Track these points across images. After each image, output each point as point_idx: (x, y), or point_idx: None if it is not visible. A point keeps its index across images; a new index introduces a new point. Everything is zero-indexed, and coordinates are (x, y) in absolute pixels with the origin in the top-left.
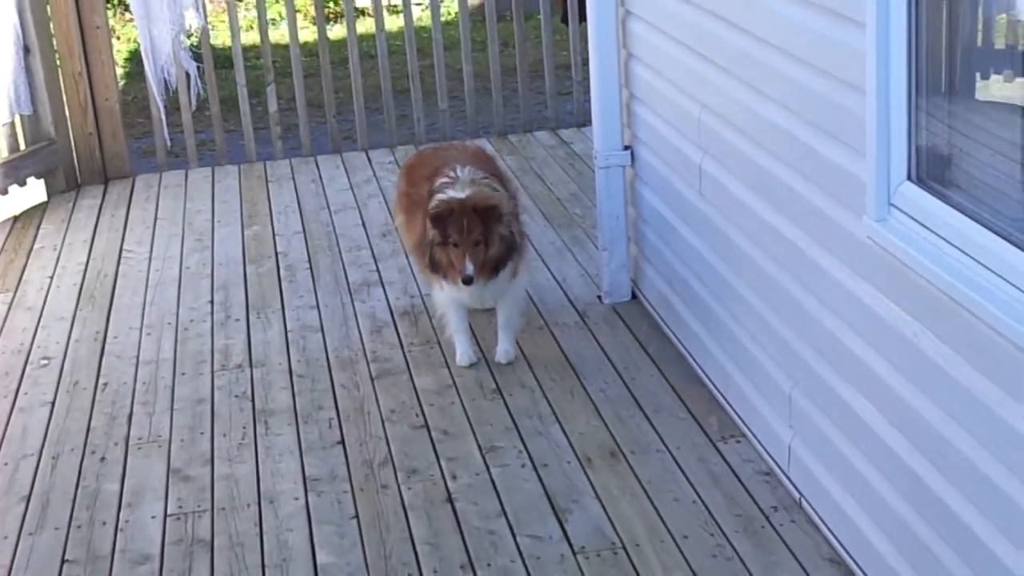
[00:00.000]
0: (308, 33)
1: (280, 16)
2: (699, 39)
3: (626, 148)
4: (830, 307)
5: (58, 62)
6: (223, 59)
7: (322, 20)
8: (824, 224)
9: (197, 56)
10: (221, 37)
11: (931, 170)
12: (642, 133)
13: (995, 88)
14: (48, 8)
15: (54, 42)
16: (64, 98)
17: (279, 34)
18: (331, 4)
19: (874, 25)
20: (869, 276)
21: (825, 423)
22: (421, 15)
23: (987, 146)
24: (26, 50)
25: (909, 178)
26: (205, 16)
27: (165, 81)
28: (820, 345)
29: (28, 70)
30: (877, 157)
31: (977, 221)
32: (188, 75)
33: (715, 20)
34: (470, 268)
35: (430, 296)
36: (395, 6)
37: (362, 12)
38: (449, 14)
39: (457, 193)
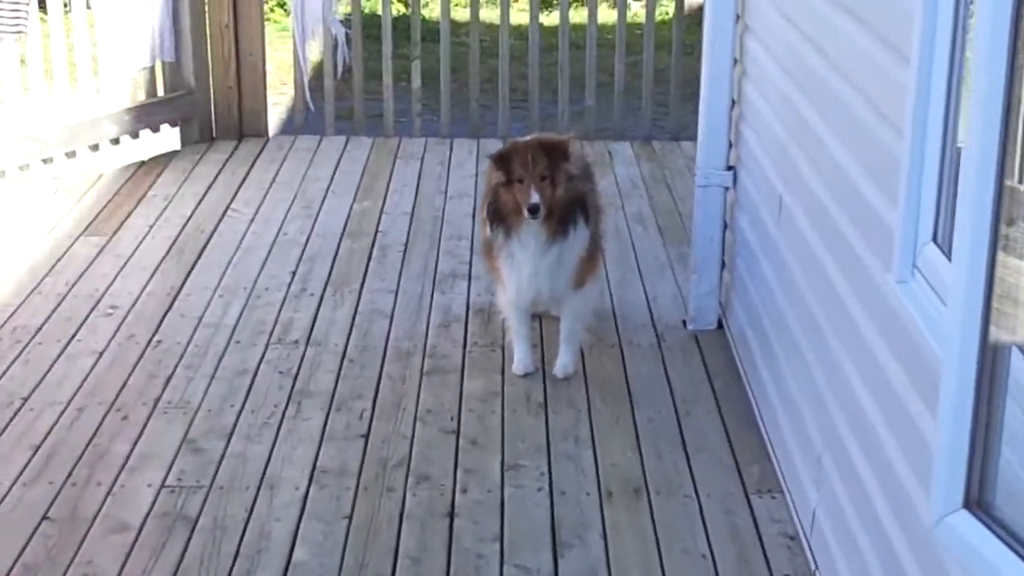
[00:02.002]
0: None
1: None
2: (793, 63)
3: (729, 168)
4: (858, 368)
5: (206, 12)
6: (375, 27)
7: (475, 1)
8: (860, 275)
9: (346, 23)
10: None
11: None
12: (746, 156)
13: None
14: None
15: None
16: (208, 49)
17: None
18: None
19: (917, 59)
20: (890, 339)
21: (842, 492)
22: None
23: None
24: None
25: (934, 240)
26: None
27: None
28: (847, 408)
29: (175, 17)
30: (906, 211)
31: None
32: (336, 41)
33: (806, 43)
34: (535, 196)
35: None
36: None
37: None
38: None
39: None
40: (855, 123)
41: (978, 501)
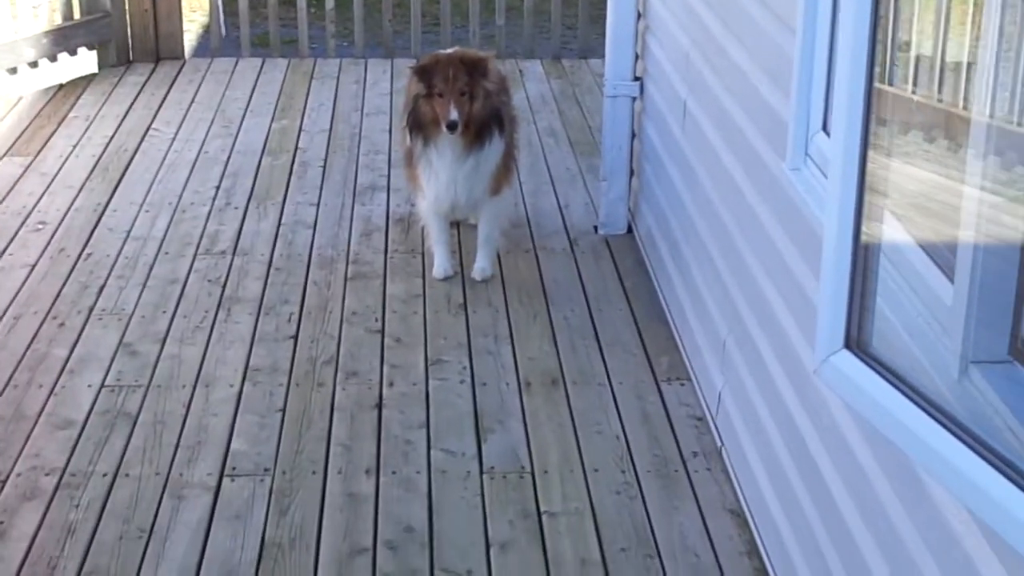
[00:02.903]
0: None
1: None
2: None
3: (636, 79)
4: (758, 256)
5: None
6: None
7: None
8: (759, 169)
9: None
10: None
11: None
12: (652, 67)
13: None
14: None
15: None
16: None
17: None
18: None
19: None
20: (785, 223)
21: (746, 375)
22: None
23: None
24: None
25: (824, 129)
26: None
27: None
28: (749, 294)
29: None
30: (797, 103)
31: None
32: None
33: None
34: (454, 113)
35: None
36: None
37: None
38: None
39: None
40: (753, 27)
41: (857, 341)
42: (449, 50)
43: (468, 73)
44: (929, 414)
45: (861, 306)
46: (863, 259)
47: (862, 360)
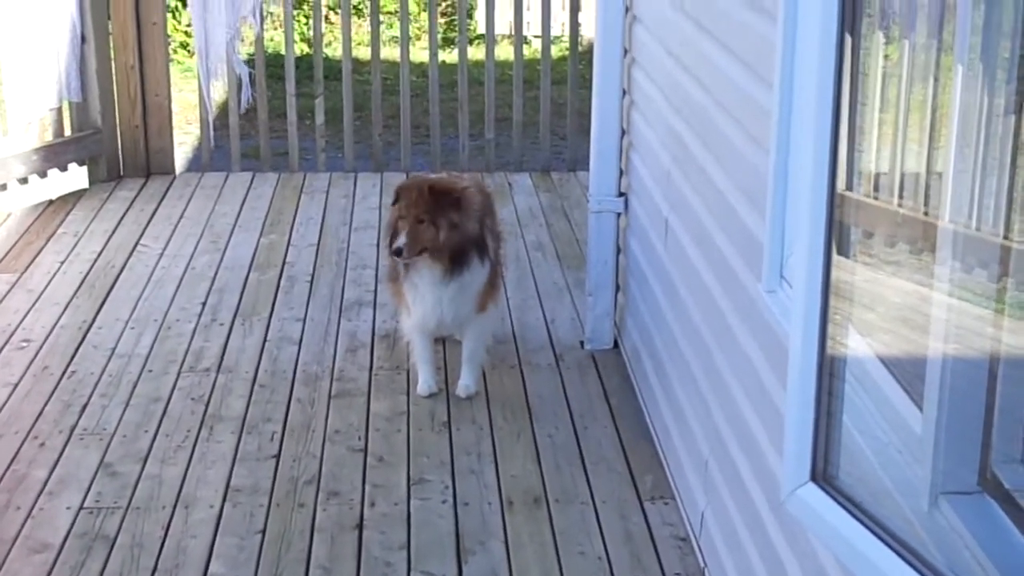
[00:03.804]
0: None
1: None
2: (675, 92)
3: (621, 195)
4: (737, 376)
5: (112, 54)
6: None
7: (376, 39)
8: (737, 289)
9: (250, 62)
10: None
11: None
12: (636, 183)
13: None
14: (107, 0)
15: (110, 34)
16: (115, 89)
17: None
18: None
19: (779, 84)
20: (762, 345)
21: (727, 495)
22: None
23: None
24: (82, 39)
25: None
26: (262, 23)
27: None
28: (729, 414)
29: (82, 59)
30: (772, 224)
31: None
32: (240, 80)
33: (685, 74)
34: (401, 239)
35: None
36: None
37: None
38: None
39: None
40: (730, 147)
41: (823, 474)
42: (433, 175)
43: (432, 202)
44: (896, 551)
45: (828, 435)
46: (829, 383)
47: (828, 494)
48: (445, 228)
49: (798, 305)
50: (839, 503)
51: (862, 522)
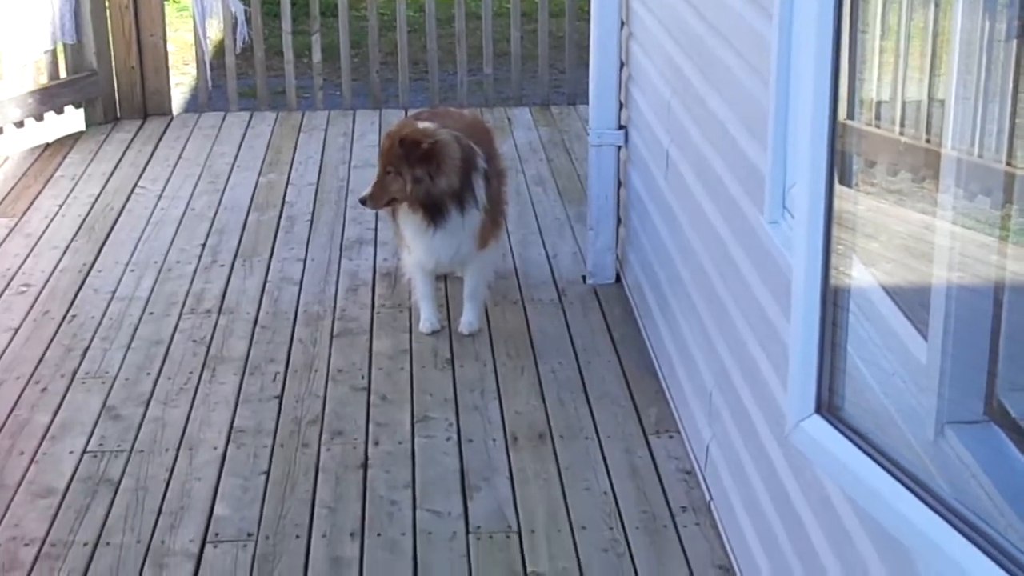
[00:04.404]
0: None
1: None
2: (674, 23)
3: (621, 128)
4: (740, 308)
5: None
6: (274, 4)
7: None
8: (739, 220)
9: (245, 1)
10: None
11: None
12: (635, 115)
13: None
14: None
15: None
16: (109, 30)
17: None
18: None
19: (778, 13)
20: (764, 276)
21: (732, 427)
22: None
23: None
24: None
25: None
26: None
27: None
28: (732, 346)
29: (75, 0)
30: (774, 156)
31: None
32: (235, 19)
33: (684, 3)
34: (366, 191)
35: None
36: None
37: None
38: None
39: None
40: (730, 78)
41: (828, 406)
42: (424, 123)
43: (401, 154)
44: (901, 482)
45: (832, 366)
46: (833, 314)
47: (833, 425)
48: (411, 181)
49: (800, 236)
50: (844, 434)
51: (867, 453)
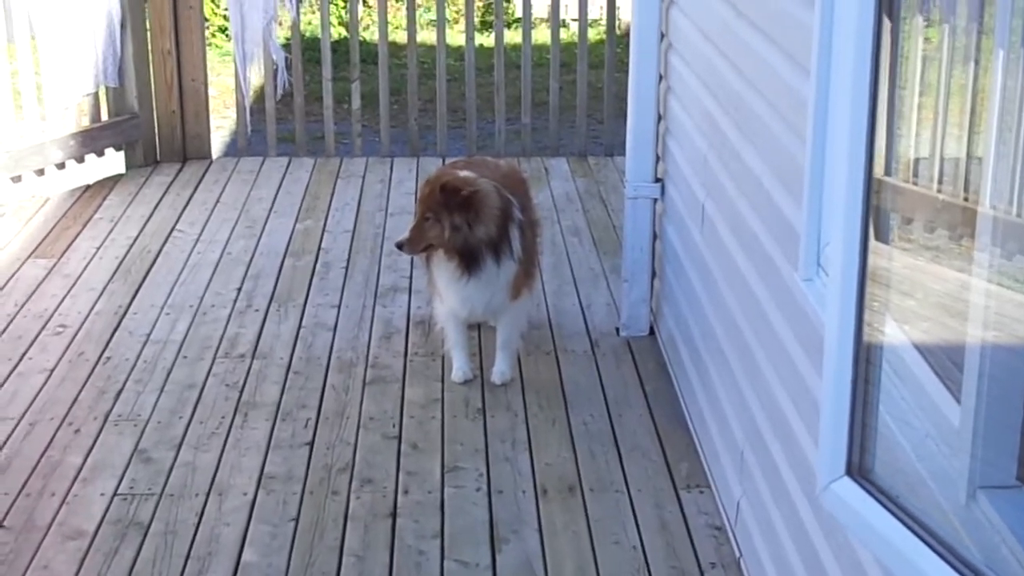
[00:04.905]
0: (423, 35)
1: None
2: (712, 78)
3: (657, 181)
4: (773, 364)
5: (148, 39)
6: (315, 51)
7: (413, 23)
8: (773, 276)
9: (286, 47)
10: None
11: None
12: (672, 168)
13: None
14: None
15: (147, 19)
16: (151, 74)
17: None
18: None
19: (816, 72)
20: (798, 334)
21: (762, 484)
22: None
23: None
24: (119, 24)
25: None
26: (298, 6)
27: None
28: (764, 402)
29: (119, 44)
30: (809, 213)
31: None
32: (276, 65)
33: (722, 59)
34: (403, 235)
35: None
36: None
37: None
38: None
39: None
40: (767, 134)
41: (859, 468)
42: (462, 172)
43: (441, 200)
44: (932, 547)
45: (864, 425)
46: (866, 372)
47: (864, 488)
48: (449, 228)
49: (834, 294)
50: (875, 497)
51: (898, 517)
